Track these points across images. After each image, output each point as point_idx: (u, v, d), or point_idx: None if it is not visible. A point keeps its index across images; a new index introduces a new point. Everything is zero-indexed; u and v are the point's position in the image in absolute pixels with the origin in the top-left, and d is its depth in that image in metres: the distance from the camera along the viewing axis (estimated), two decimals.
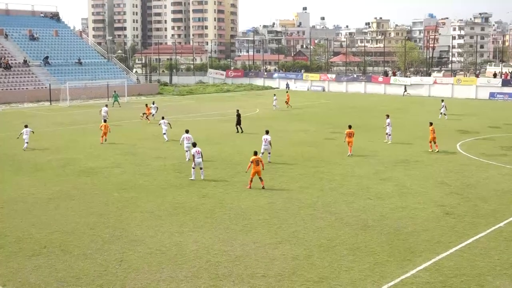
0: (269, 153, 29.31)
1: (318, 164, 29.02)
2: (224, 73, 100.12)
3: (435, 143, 32.49)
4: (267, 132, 29.66)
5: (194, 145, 25.46)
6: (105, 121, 38.33)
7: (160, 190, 23.36)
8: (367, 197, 22.27)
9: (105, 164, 28.97)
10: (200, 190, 23.36)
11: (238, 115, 41.17)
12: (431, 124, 32.99)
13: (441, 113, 49.50)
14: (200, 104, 64.15)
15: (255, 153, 24.26)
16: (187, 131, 29.65)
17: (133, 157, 31.04)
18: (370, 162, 29.45)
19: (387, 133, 36.07)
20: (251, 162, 23.54)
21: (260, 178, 23.67)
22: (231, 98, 72.88)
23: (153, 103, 49.80)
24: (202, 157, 25.12)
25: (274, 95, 57.75)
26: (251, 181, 23.71)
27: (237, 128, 40.74)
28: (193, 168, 24.97)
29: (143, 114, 48.07)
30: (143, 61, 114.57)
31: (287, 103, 58.06)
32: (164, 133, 37.32)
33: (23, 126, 35.46)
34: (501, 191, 23.25)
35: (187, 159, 29.27)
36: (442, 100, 52.68)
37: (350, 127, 31.87)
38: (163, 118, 39.49)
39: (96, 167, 28.33)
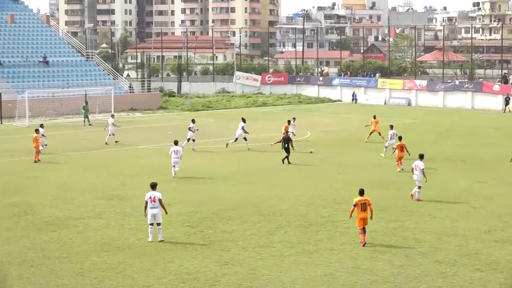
0: (419, 188, 31.17)
1: (399, 216, 28.73)
2: (259, 78, 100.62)
3: None
4: (421, 157, 31.64)
5: (153, 187, 25.18)
6: (37, 130, 44.04)
7: (161, 253, 23.39)
8: (475, 267, 21.93)
9: (79, 213, 29.13)
10: (221, 254, 23.31)
11: (286, 139, 42.21)
12: None
13: None
14: (222, 125, 64.39)
15: (361, 192, 24.53)
16: (176, 143, 37.62)
17: (121, 202, 31.21)
18: (480, 214, 29.06)
19: (386, 146, 43.32)
20: (354, 205, 24.08)
21: (363, 229, 24.11)
22: (269, 115, 73.10)
23: (244, 120, 48.32)
24: (162, 206, 24.84)
25: (294, 119, 54.40)
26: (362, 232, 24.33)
27: (285, 157, 41.84)
28: (150, 225, 24.81)
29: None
30: (139, 60, 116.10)
31: (377, 131, 54.28)
32: (110, 135, 46.95)
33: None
34: None
35: (173, 175, 36.83)
36: None
37: None
38: (112, 116, 48.64)
39: (66, 217, 28.51)
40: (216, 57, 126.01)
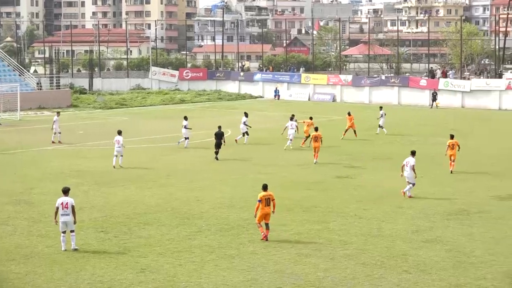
0: (411, 185, 32.07)
1: (324, 217, 29.03)
2: (177, 73, 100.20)
3: (453, 161, 38.77)
4: (412, 154, 32.64)
5: (64, 192, 24.69)
6: None
7: (73, 261, 23.16)
8: (403, 269, 22.31)
9: None
10: (137, 260, 23.22)
11: (219, 135, 43.19)
12: (452, 137, 39.58)
13: (379, 126, 55.26)
14: (137, 123, 64.06)
15: (265, 188, 25.30)
16: (119, 132, 40.88)
17: (29, 208, 30.79)
18: (407, 214, 29.57)
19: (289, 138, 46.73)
20: (259, 201, 24.91)
21: (266, 225, 24.94)
22: (187, 113, 72.86)
23: (246, 114, 51.58)
24: (73, 214, 24.34)
25: (293, 116, 50.80)
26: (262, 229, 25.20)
27: (216, 153, 43.05)
28: (62, 233, 24.35)
29: None
30: (47, 55, 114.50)
31: (352, 129, 53.15)
32: (56, 133, 48.41)
33: None
34: None
35: (120, 164, 40.01)
36: (381, 108, 57.04)
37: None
38: (58, 113, 50.04)
39: None
40: (130, 51, 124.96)
